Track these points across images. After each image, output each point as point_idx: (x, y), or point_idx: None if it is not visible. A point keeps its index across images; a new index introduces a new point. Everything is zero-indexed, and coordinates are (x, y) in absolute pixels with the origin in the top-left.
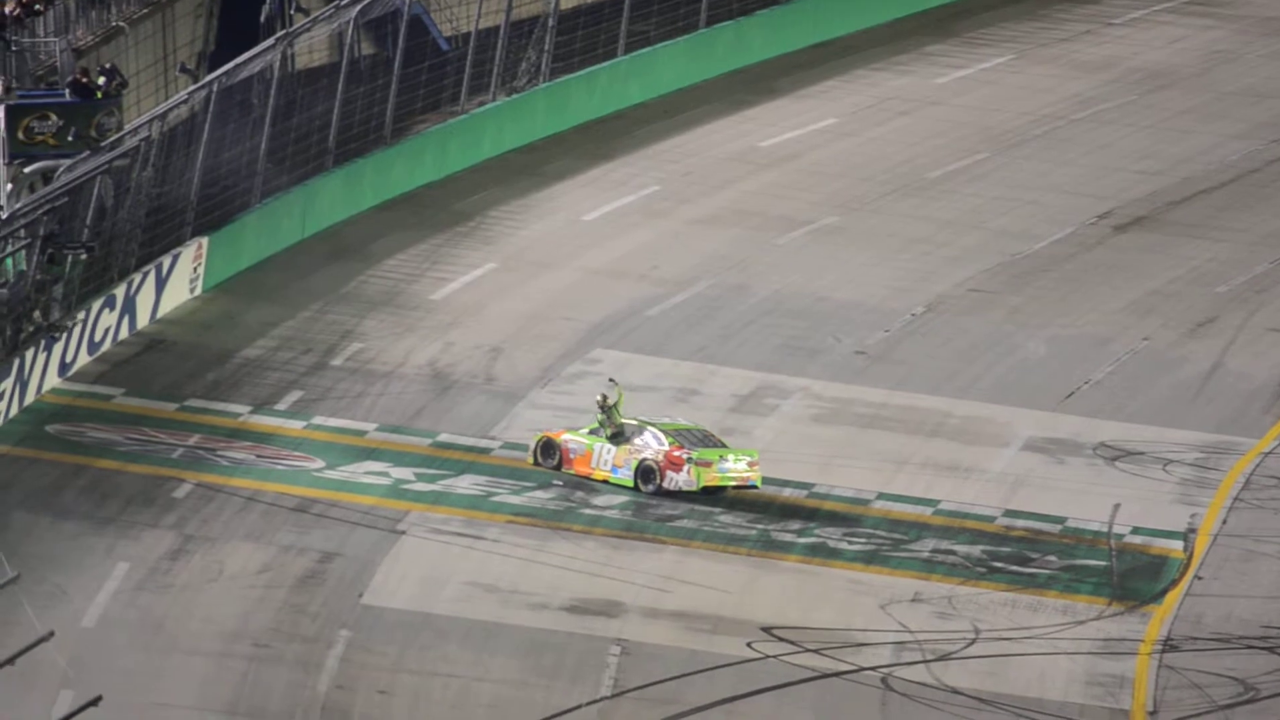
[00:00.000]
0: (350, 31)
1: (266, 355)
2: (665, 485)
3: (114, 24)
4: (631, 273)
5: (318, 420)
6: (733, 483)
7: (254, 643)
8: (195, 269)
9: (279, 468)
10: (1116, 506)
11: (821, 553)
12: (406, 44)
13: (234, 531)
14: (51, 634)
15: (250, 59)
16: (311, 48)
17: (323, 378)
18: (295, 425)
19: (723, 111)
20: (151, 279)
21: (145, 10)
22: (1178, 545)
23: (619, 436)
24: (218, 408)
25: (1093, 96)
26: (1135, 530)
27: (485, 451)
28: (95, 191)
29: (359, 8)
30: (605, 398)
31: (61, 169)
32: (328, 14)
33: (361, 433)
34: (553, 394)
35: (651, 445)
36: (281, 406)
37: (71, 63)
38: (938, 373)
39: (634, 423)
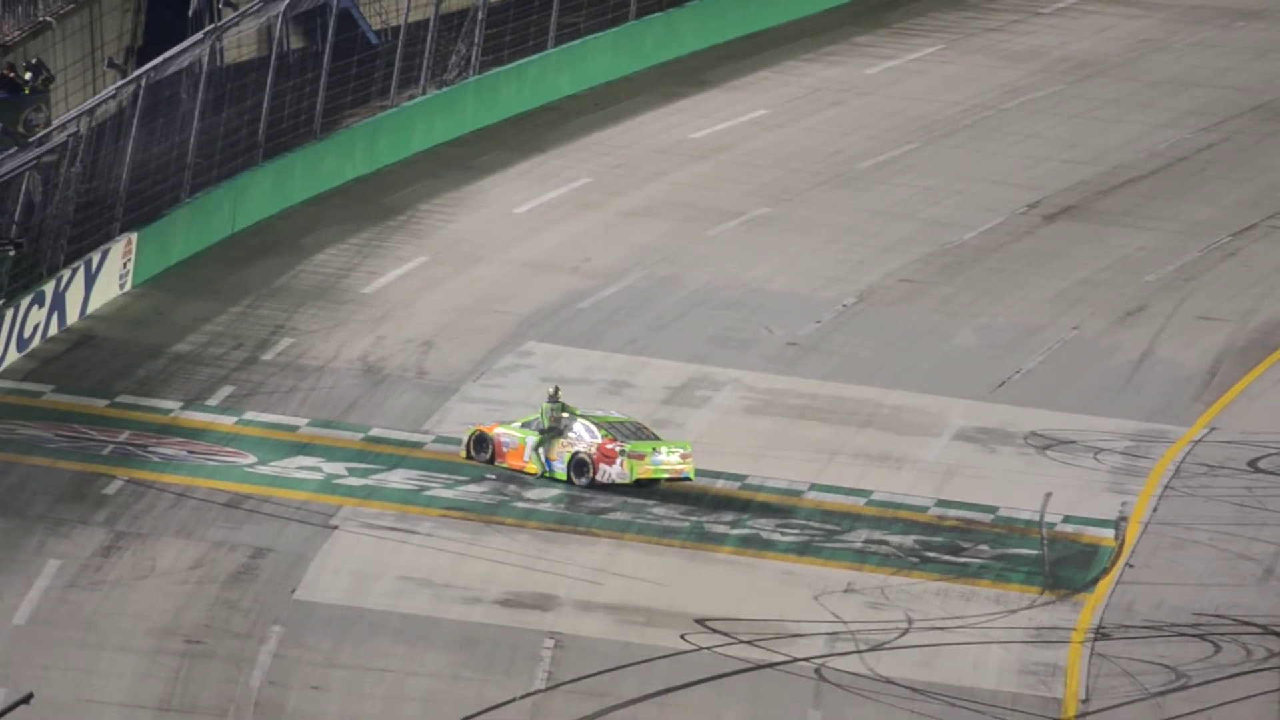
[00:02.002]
0: (279, 25)
1: (197, 351)
2: (598, 478)
3: (41, 19)
4: (563, 265)
5: (249, 415)
6: (666, 475)
7: (186, 639)
8: (125, 265)
9: (210, 463)
10: (1048, 495)
11: (755, 544)
12: (335, 38)
13: (165, 527)
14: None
15: (179, 54)
16: (240, 42)
17: (254, 373)
18: (226, 421)
19: (653, 103)
20: (81, 275)
21: (72, 5)
22: (1109, 534)
23: (555, 431)
24: (148, 404)
25: (1021, 86)
26: (1067, 519)
27: (418, 446)
28: (23, 187)
29: (288, 1)
30: (558, 390)
31: None
32: (256, 8)
33: (293, 428)
34: (485, 387)
35: (584, 438)
36: (213, 402)
37: None
38: (869, 363)
39: (567, 415)
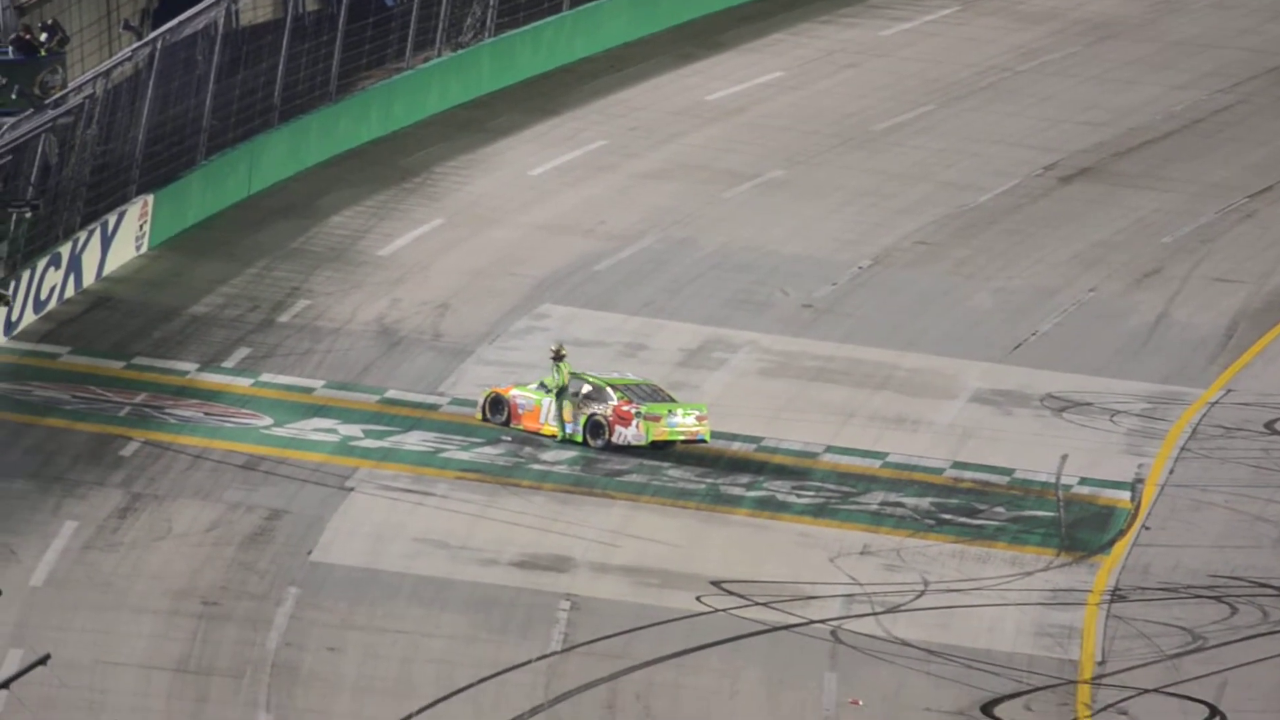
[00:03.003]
0: None
1: (213, 312)
2: (614, 440)
3: None
4: (578, 227)
5: (265, 377)
6: (681, 437)
7: (203, 600)
8: (141, 226)
9: (227, 425)
10: (1064, 457)
11: (770, 506)
12: (351, 0)
13: (182, 489)
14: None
15: (194, 15)
16: (256, 4)
17: (270, 335)
18: (243, 382)
19: (669, 65)
20: (97, 237)
21: None
22: (1125, 496)
23: (569, 391)
24: (164, 365)
25: (1037, 48)
26: (1083, 481)
27: (433, 408)
28: (40, 149)
29: None
30: (561, 345)
31: (5, 127)
32: None
33: (309, 390)
34: (501, 350)
35: (600, 400)
36: (229, 364)
37: (14, 20)
38: (885, 325)
39: (581, 378)
